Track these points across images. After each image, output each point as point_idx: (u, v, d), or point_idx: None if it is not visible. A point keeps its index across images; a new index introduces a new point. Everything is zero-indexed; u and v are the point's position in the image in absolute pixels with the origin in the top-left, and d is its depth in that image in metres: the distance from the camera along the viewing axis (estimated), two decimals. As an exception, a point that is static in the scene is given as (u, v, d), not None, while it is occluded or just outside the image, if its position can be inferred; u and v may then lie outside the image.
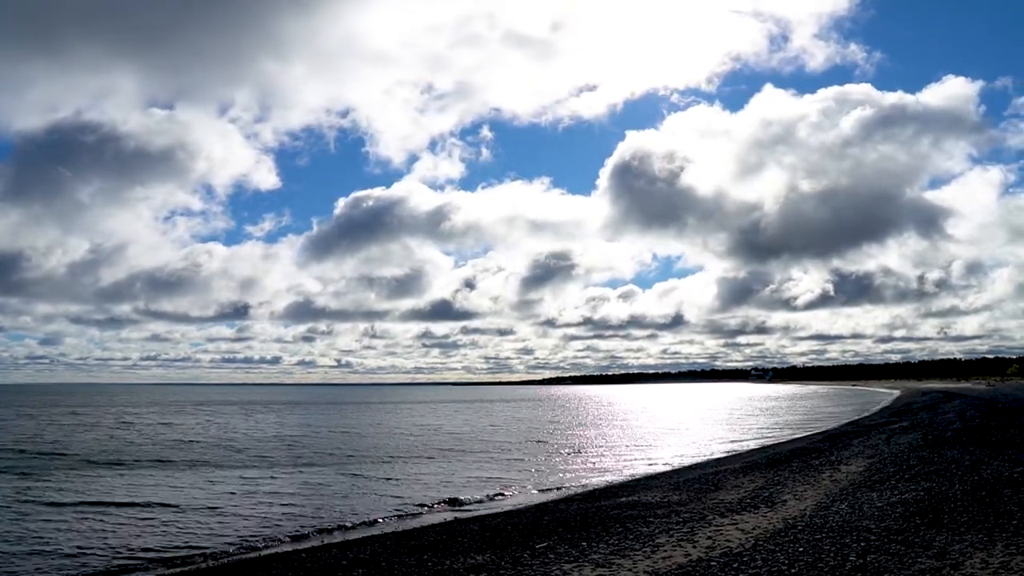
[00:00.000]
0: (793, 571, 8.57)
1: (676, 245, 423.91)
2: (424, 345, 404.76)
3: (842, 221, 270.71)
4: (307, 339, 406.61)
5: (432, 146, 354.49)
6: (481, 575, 9.55)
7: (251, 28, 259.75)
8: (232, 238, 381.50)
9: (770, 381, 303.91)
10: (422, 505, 17.30)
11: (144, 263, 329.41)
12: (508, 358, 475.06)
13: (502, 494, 18.77)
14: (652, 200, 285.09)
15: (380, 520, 15.54)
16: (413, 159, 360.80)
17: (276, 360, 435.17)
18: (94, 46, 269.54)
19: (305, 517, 15.89)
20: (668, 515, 12.98)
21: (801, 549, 9.60)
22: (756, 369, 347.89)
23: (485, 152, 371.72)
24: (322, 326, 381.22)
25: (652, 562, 9.48)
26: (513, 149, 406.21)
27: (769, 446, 29.38)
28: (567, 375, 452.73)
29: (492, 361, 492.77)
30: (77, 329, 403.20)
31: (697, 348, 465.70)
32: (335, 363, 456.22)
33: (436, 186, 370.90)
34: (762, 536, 10.63)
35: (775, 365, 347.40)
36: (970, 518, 10.69)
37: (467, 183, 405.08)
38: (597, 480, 21.10)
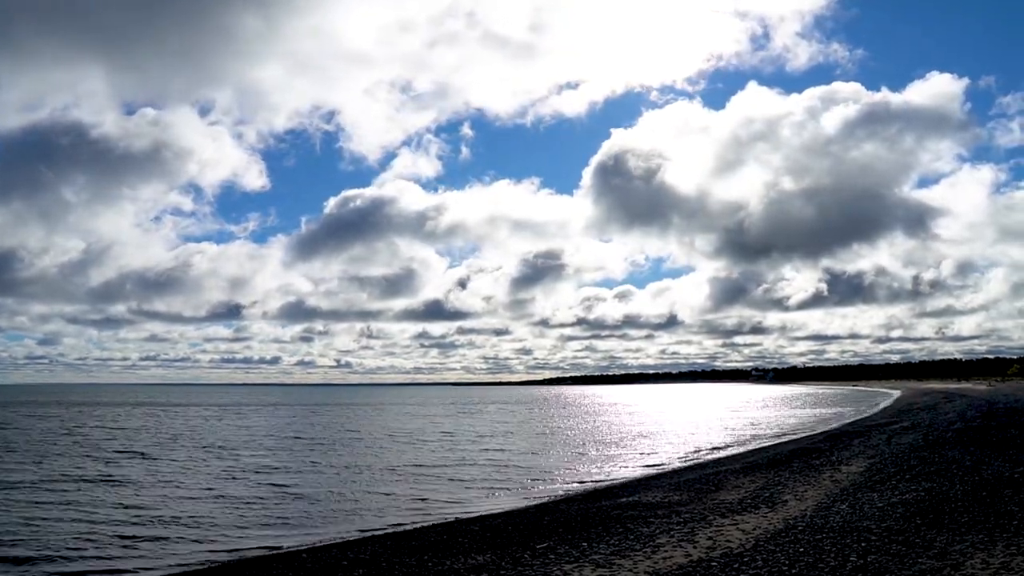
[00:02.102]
0: (794, 571, 8.57)
1: (663, 245, 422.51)
2: (422, 345, 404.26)
3: (831, 220, 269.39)
4: (305, 339, 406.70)
5: (413, 146, 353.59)
6: (482, 575, 9.55)
7: (225, 30, 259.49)
8: (222, 238, 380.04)
9: (771, 382, 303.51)
10: (421, 507, 17.31)
11: (136, 263, 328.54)
12: (507, 358, 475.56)
13: (503, 495, 18.77)
14: (637, 199, 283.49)
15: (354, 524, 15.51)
16: (392, 157, 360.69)
17: (275, 360, 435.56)
18: (59, 44, 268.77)
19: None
20: (669, 515, 12.98)
21: (802, 549, 9.60)
22: (757, 369, 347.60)
23: (465, 150, 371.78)
24: (318, 326, 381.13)
25: (653, 562, 9.48)
26: (493, 147, 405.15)
27: (770, 446, 29.38)
28: (567, 375, 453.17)
29: (491, 361, 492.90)
30: (75, 329, 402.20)
31: (695, 348, 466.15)
32: (334, 363, 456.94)
33: (420, 186, 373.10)
34: (763, 536, 10.63)
35: (775, 365, 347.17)
36: (971, 518, 10.68)
37: (448, 181, 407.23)
38: (598, 480, 21.10)
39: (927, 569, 8.23)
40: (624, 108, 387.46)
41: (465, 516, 15.53)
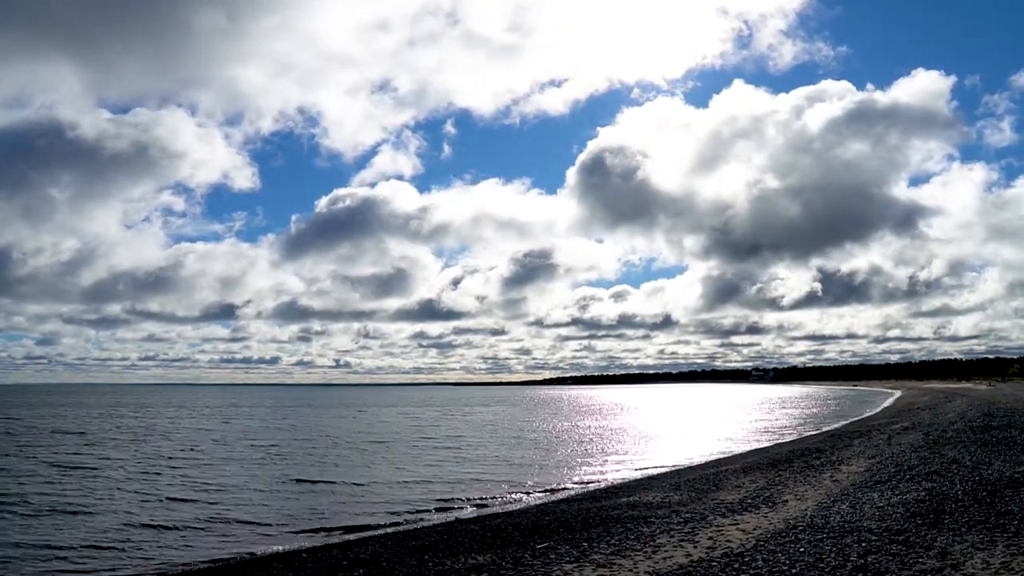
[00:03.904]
0: (794, 571, 8.57)
1: (651, 244, 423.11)
2: (420, 345, 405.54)
3: (821, 220, 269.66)
4: (303, 339, 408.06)
5: (392, 143, 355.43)
6: (482, 575, 9.54)
7: (201, 31, 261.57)
8: (213, 238, 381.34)
9: (771, 382, 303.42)
10: (419, 510, 17.30)
11: (130, 263, 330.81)
12: (506, 358, 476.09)
13: (503, 495, 18.77)
14: (622, 198, 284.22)
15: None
16: (373, 155, 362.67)
17: (275, 360, 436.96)
18: (22, 40, 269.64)
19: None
20: (669, 515, 12.98)
21: (802, 549, 9.59)
22: (757, 369, 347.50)
23: (447, 149, 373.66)
24: (315, 326, 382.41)
25: (653, 562, 9.47)
26: (474, 146, 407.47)
27: (770, 446, 29.39)
28: (567, 375, 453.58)
29: (491, 361, 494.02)
30: (72, 329, 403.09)
31: (694, 348, 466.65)
32: (333, 363, 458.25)
33: (400, 183, 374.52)
34: (763, 536, 10.62)
35: (775, 365, 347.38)
36: (971, 518, 10.68)
37: (429, 180, 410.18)
38: (598, 480, 21.10)
39: (927, 569, 8.22)
40: (607, 107, 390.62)
41: (465, 516, 15.54)
